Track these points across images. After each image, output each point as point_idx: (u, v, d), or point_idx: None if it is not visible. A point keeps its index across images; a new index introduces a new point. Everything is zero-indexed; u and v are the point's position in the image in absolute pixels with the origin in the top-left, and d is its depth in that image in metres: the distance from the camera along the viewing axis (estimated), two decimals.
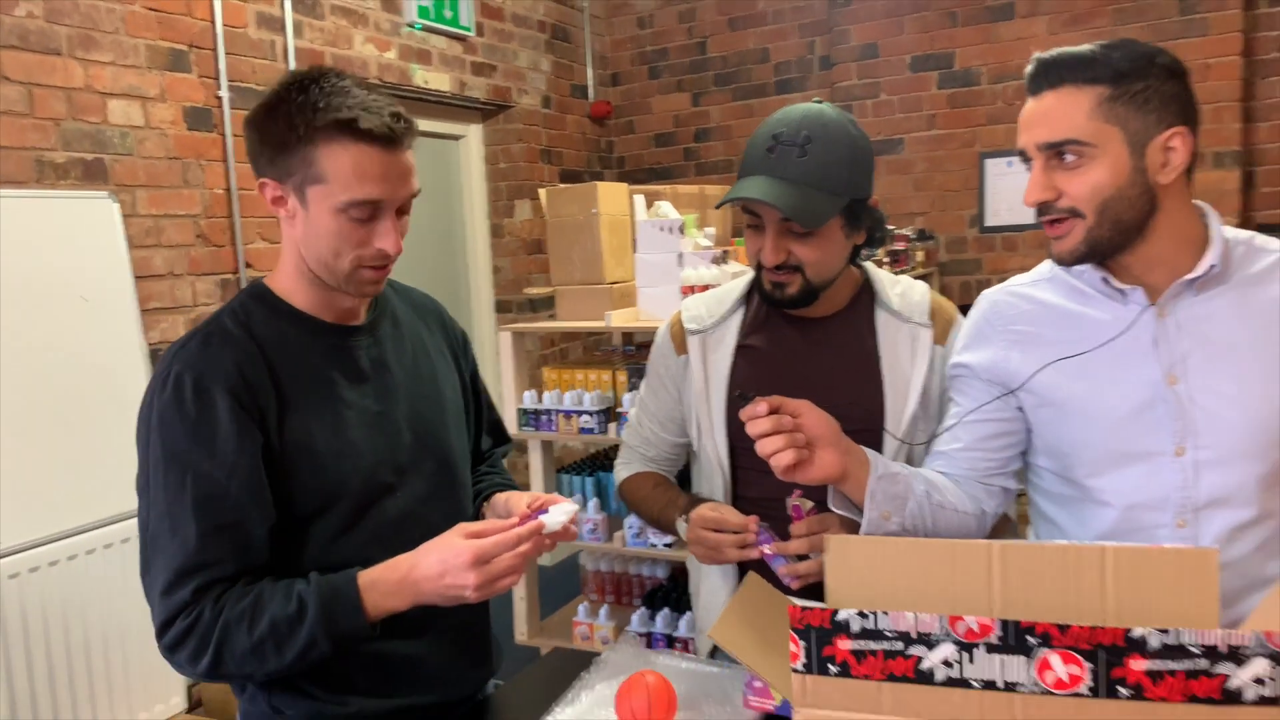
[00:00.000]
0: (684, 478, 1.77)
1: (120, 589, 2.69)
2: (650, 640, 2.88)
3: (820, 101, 1.50)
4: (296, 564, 1.26)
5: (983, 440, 1.41)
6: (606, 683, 1.42)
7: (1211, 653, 0.85)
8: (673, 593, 3.07)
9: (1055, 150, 1.22)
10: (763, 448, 1.24)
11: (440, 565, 1.19)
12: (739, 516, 1.43)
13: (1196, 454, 1.27)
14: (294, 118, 1.20)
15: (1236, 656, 0.85)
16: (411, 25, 4.16)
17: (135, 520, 2.79)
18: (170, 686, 2.91)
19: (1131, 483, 1.30)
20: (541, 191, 3.38)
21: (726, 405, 1.56)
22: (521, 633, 3.09)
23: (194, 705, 3.08)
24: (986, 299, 1.45)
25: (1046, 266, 1.41)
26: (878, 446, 1.48)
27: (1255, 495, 1.26)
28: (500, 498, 1.48)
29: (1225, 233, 1.29)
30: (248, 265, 3.37)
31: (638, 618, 2.94)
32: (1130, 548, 1.01)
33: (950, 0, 4.58)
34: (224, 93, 3.28)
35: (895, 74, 4.73)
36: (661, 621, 2.90)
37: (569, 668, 1.51)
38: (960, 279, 4.65)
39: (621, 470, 1.77)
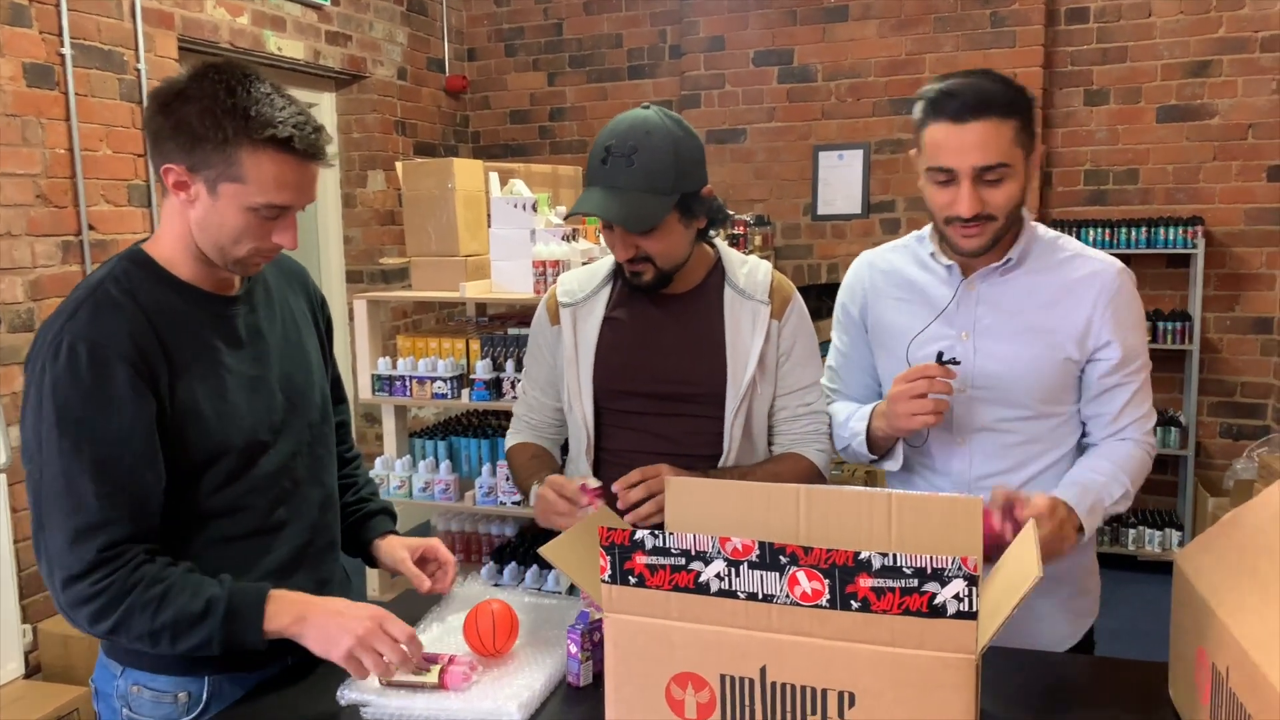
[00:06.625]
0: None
1: None
2: None
3: (648, 107, 1.66)
4: (185, 511, 1.35)
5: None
6: (456, 614, 1.57)
7: (921, 574, 0.98)
8: (520, 548, 3.23)
9: (987, 171, 1.49)
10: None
11: (345, 606, 1.35)
12: (573, 485, 1.59)
13: (974, 391, 1.63)
14: (221, 120, 1.24)
15: (940, 577, 0.97)
16: None
17: None
18: (7, 652, 2.88)
19: None
20: (398, 165, 3.45)
21: (593, 369, 1.74)
22: (374, 589, 3.19)
23: (32, 671, 3.05)
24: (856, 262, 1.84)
25: (911, 238, 1.76)
26: (723, 407, 1.72)
27: (1017, 425, 1.64)
28: (411, 555, 1.60)
29: (1037, 229, 1.66)
30: (91, 228, 3.31)
31: (486, 572, 3.10)
32: (912, 495, 1.23)
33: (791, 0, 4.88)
34: (67, 50, 3.20)
35: (739, 66, 4.98)
36: (509, 575, 3.07)
37: (422, 604, 1.65)
38: (793, 263, 4.97)
39: (510, 438, 1.92)
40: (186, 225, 1.34)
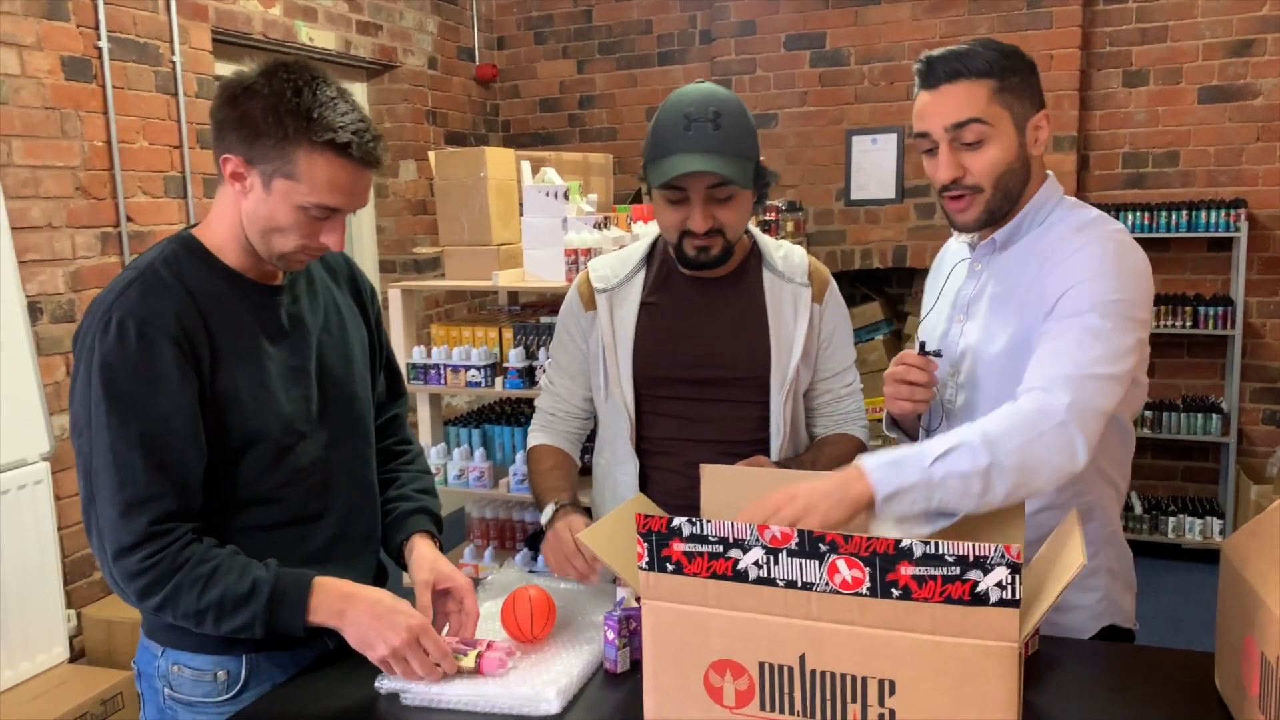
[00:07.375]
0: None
1: None
2: None
3: (702, 82, 1.67)
4: (222, 499, 1.37)
5: None
6: (493, 600, 1.57)
7: (963, 561, 0.97)
8: None
9: (960, 129, 1.41)
10: None
11: (386, 609, 1.34)
12: (585, 564, 1.57)
13: (958, 377, 1.55)
14: (284, 118, 1.27)
15: (983, 565, 0.97)
16: None
17: (12, 473, 2.80)
18: (52, 636, 2.92)
19: None
20: (430, 154, 3.46)
21: (633, 355, 1.73)
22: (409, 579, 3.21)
23: (76, 655, 3.11)
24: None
25: None
26: (765, 392, 1.70)
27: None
28: (435, 582, 1.50)
29: (1064, 203, 1.52)
30: (129, 219, 3.35)
31: (520, 558, 3.11)
32: None
33: None
34: (103, 43, 3.24)
35: (770, 51, 4.93)
36: (543, 561, 3.07)
37: None
38: (826, 249, 4.93)
39: (532, 436, 1.88)
40: (238, 215, 1.37)
